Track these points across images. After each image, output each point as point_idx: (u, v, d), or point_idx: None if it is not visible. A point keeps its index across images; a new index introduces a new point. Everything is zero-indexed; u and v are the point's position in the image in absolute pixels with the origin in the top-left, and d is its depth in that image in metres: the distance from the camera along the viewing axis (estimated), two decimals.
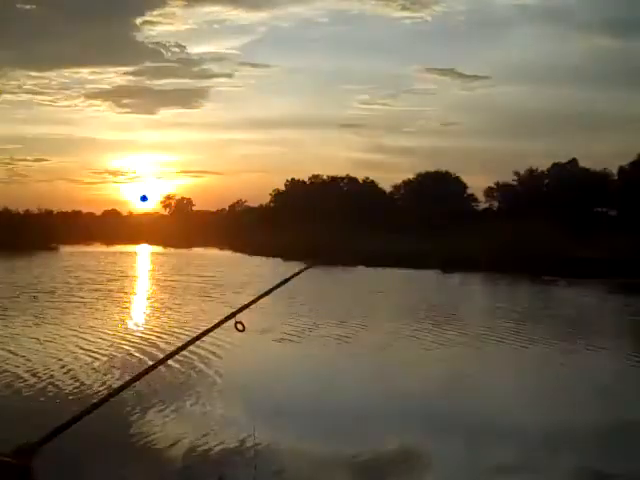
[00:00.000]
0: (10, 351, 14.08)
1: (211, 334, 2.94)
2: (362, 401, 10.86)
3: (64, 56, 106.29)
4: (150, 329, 17.89)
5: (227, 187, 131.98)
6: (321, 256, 46.91)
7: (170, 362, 12.97)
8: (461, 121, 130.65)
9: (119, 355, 13.97)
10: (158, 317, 20.35)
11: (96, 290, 28.10)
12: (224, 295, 26.75)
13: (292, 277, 3.38)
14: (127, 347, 14.85)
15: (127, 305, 24.32)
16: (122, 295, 27.17)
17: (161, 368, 12.47)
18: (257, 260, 51.89)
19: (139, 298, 27.15)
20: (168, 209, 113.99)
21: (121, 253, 61.48)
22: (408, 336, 17.03)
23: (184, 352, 12.41)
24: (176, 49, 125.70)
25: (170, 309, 21.95)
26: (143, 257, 59.73)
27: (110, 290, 28.45)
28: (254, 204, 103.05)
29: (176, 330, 17.47)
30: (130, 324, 19.27)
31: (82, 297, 25.16)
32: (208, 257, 56.71)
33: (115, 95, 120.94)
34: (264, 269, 42.81)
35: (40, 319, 19.28)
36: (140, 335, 16.72)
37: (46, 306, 22.06)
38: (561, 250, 41.04)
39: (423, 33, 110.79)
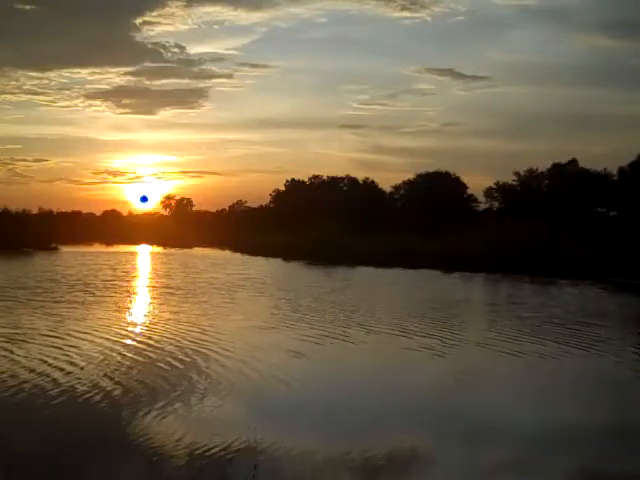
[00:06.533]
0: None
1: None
2: (364, 400, 10.86)
3: (64, 56, 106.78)
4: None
5: (227, 187, 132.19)
6: (321, 256, 47.16)
7: (170, 361, 13.19)
8: (461, 121, 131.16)
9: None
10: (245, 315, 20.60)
11: (151, 287, 29.34)
12: (269, 290, 28.22)
13: None
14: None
15: (200, 301, 24.15)
16: (183, 291, 27.31)
17: (161, 366, 12.57)
18: (260, 260, 51.93)
19: (198, 294, 26.58)
20: (168, 209, 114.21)
21: (126, 253, 61.55)
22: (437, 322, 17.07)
23: (187, 351, 12.31)
24: (176, 49, 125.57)
25: (238, 304, 23.01)
26: (152, 257, 59.79)
27: (165, 287, 29.09)
28: (254, 204, 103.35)
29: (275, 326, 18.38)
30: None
31: (151, 294, 26.05)
32: (213, 257, 56.78)
33: (115, 95, 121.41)
34: (269, 269, 42.87)
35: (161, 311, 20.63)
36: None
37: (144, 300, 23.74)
38: (561, 250, 41.07)
39: (423, 33, 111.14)
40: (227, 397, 10.70)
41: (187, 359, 13.35)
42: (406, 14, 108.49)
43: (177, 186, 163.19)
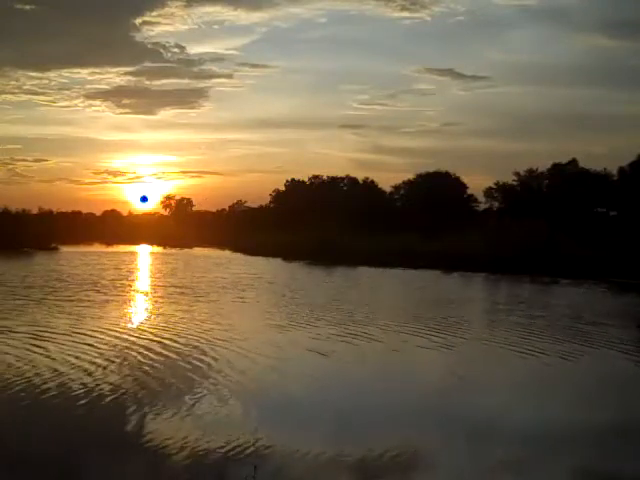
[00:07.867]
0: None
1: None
2: (372, 399, 10.86)
3: (64, 56, 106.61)
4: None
5: (227, 187, 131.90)
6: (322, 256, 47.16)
7: (178, 360, 13.23)
8: (461, 121, 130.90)
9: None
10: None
11: (159, 286, 29.48)
12: (274, 289, 28.71)
13: None
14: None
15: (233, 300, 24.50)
16: (191, 290, 27.42)
17: (162, 367, 12.58)
18: (260, 260, 51.91)
19: (222, 292, 27.05)
20: (168, 209, 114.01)
21: (127, 253, 61.47)
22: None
23: (194, 350, 12.29)
24: (175, 49, 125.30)
25: (247, 303, 23.26)
26: (154, 257, 59.60)
27: (173, 286, 29.27)
28: (254, 204, 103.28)
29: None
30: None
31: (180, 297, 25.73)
32: (214, 257, 56.71)
33: (115, 95, 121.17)
34: (270, 269, 42.89)
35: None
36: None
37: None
38: (561, 250, 41.10)
39: (422, 33, 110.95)
40: (230, 396, 10.71)
41: (193, 358, 13.39)
42: (406, 14, 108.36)
43: (177, 186, 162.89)
